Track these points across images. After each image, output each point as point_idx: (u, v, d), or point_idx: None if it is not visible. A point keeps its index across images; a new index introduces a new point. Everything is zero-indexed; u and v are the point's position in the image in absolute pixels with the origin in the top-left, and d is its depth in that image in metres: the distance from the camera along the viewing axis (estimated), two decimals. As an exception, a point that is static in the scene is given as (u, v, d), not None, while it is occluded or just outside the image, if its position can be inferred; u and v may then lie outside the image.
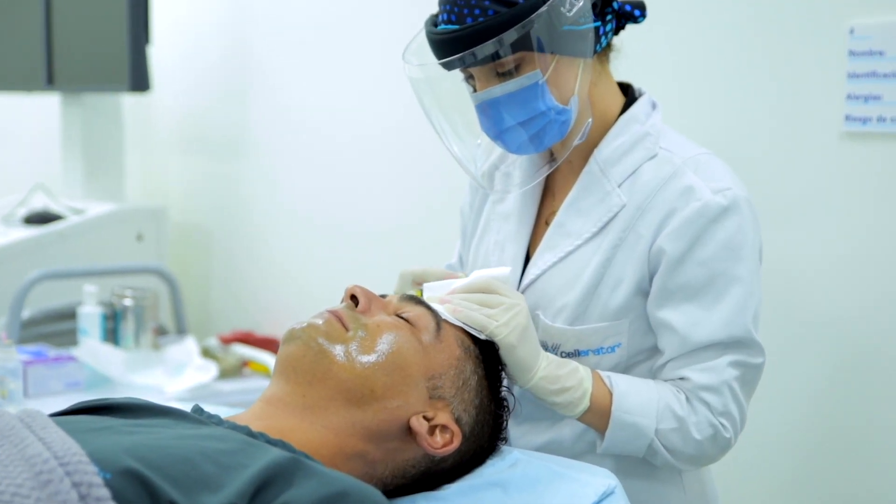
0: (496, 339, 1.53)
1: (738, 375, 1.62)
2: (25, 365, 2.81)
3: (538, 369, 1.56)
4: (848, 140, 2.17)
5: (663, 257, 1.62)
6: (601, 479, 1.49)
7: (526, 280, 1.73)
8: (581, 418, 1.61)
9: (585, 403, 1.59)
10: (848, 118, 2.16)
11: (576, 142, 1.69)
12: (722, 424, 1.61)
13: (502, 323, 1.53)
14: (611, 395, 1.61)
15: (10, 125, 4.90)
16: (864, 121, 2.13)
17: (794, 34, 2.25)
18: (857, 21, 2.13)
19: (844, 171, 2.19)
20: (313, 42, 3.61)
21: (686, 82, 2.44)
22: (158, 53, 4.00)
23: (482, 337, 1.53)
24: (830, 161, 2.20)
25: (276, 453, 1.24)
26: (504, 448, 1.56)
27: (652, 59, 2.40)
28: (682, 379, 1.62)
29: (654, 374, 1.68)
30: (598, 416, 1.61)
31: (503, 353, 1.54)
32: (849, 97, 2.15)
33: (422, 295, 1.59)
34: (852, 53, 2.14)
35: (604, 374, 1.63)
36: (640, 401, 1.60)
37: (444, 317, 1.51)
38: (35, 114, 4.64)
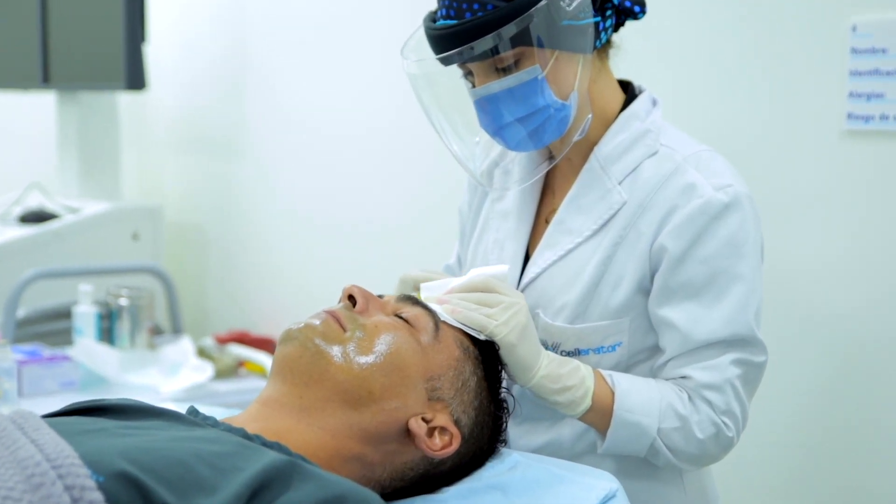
0: (496, 339, 1.51)
1: (741, 374, 1.61)
2: (20, 364, 2.80)
3: (539, 368, 1.55)
4: (850, 138, 2.17)
5: (665, 255, 1.61)
6: (602, 482, 1.48)
7: (526, 278, 1.72)
8: (582, 418, 1.60)
9: (588, 402, 1.58)
10: (850, 116, 2.15)
11: (575, 138, 1.68)
12: (724, 423, 1.60)
13: (502, 322, 1.51)
14: (612, 393, 1.59)
15: (6, 123, 4.89)
16: (867, 119, 2.13)
17: (795, 31, 2.25)
18: (859, 18, 2.13)
19: (846, 170, 2.18)
20: (311, 41, 3.60)
21: (687, 80, 2.43)
22: (154, 52, 3.99)
23: (482, 337, 1.51)
24: (832, 159, 2.20)
25: (272, 456, 1.22)
26: (503, 450, 1.55)
27: (653, 56, 2.40)
28: (683, 377, 1.62)
29: (655, 373, 1.67)
30: (599, 415, 1.59)
31: (503, 352, 1.52)
32: (851, 95, 2.14)
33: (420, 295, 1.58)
34: (854, 51, 2.13)
35: (605, 372, 1.62)
36: (642, 399, 1.59)
37: (442, 318, 1.50)
38: (31, 112, 4.63)
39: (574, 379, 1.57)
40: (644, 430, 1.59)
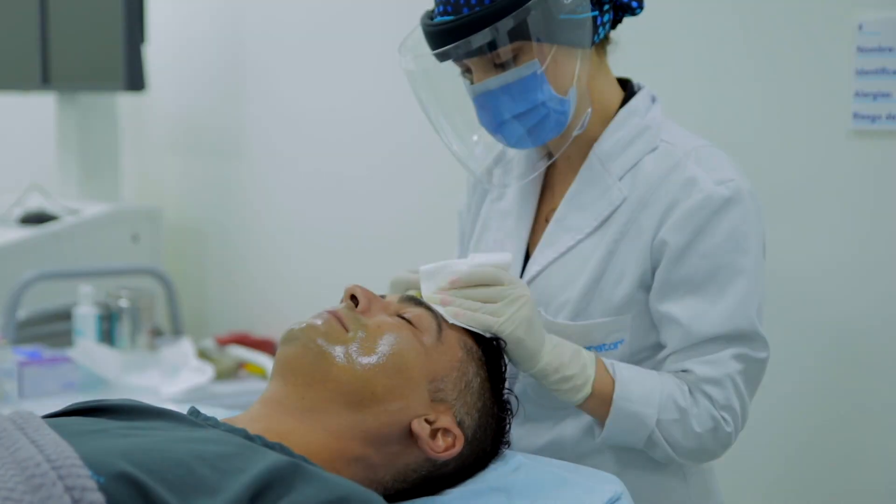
0: (503, 336, 1.50)
1: (742, 369, 1.60)
2: (21, 366, 2.80)
3: (543, 355, 1.53)
4: (856, 138, 2.16)
5: (666, 250, 1.61)
6: (607, 484, 1.47)
7: (526, 277, 1.71)
8: (582, 405, 1.59)
9: (587, 390, 1.56)
10: (856, 116, 2.14)
11: (575, 132, 1.67)
12: (723, 418, 1.59)
13: (506, 319, 1.50)
14: (613, 382, 1.58)
15: (6, 125, 4.88)
16: (873, 119, 2.12)
17: (801, 30, 2.24)
18: (865, 17, 2.12)
19: (853, 170, 2.18)
20: (309, 41, 3.59)
21: (691, 79, 2.42)
22: (154, 52, 3.98)
23: (488, 335, 1.50)
24: (838, 160, 2.19)
25: (274, 457, 1.21)
26: (507, 452, 1.54)
27: (656, 55, 2.40)
28: (684, 371, 1.61)
29: (656, 368, 1.66)
30: (599, 404, 1.58)
31: (510, 347, 1.51)
32: (857, 94, 2.13)
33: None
34: (861, 50, 2.12)
35: (607, 361, 1.61)
36: (642, 390, 1.58)
37: (450, 321, 1.48)
38: (30, 113, 4.62)
39: (575, 367, 1.56)
40: (643, 420, 1.58)
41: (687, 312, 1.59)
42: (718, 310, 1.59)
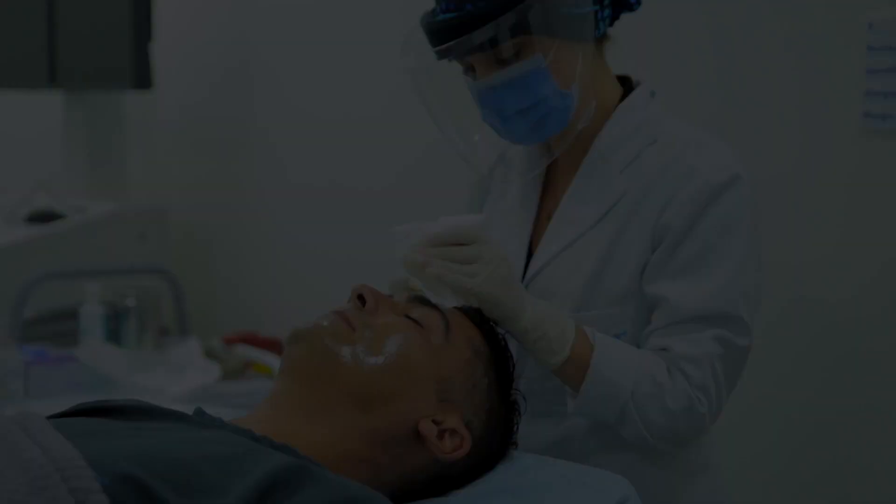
0: (480, 296, 1.50)
1: (722, 353, 1.59)
2: (27, 365, 2.80)
3: (525, 313, 1.53)
4: (867, 137, 2.15)
5: (662, 235, 1.61)
6: (616, 486, 1.46)
7: (530, 273, 1.71)
8: (559, 370, 1.58)
9: (565, 353, 1.55)
10: (867, 115, 2.14)
11: (579, 126, 1.67)
12: (698, 398, 1.58)
13: (484, 279, 1.50)
14: (593, 349, 1.57)
15: (13, 123, 4.88)
16: (885, 118, 2.11)
17: (811, 29, 2.24)
18: (875, 16, 2.12)
19: (864, 170, 2.17)
20: (318, 38, 3.59)
21: (701, 78, 2.43)
22: (161, 51, 3.98)
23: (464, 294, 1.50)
24: (849, 159, 2.19)
25: (279, 458, 1.21)
26: (514, 453, 1.53)
27: (666, 54, 2.39)
28: (664, 349, 1.60)
29: (639, 345, 1.65)
30: (576, 369, 1.57)
31: (488, 307, 1.51)
32: (868, 93, 2.13)
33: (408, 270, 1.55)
34: (871, 48, 2.12)
35: (588, 329, 1.60)
36: (622, 359, 1.58)
37: (443, 307, 1.47)
38: (37, 112, 4.62)
39: (555, 329, 1.55)
40: (619, 388, 1.57)
41: (673, 291, 1.60)
42: (702, 290, 1.59)
